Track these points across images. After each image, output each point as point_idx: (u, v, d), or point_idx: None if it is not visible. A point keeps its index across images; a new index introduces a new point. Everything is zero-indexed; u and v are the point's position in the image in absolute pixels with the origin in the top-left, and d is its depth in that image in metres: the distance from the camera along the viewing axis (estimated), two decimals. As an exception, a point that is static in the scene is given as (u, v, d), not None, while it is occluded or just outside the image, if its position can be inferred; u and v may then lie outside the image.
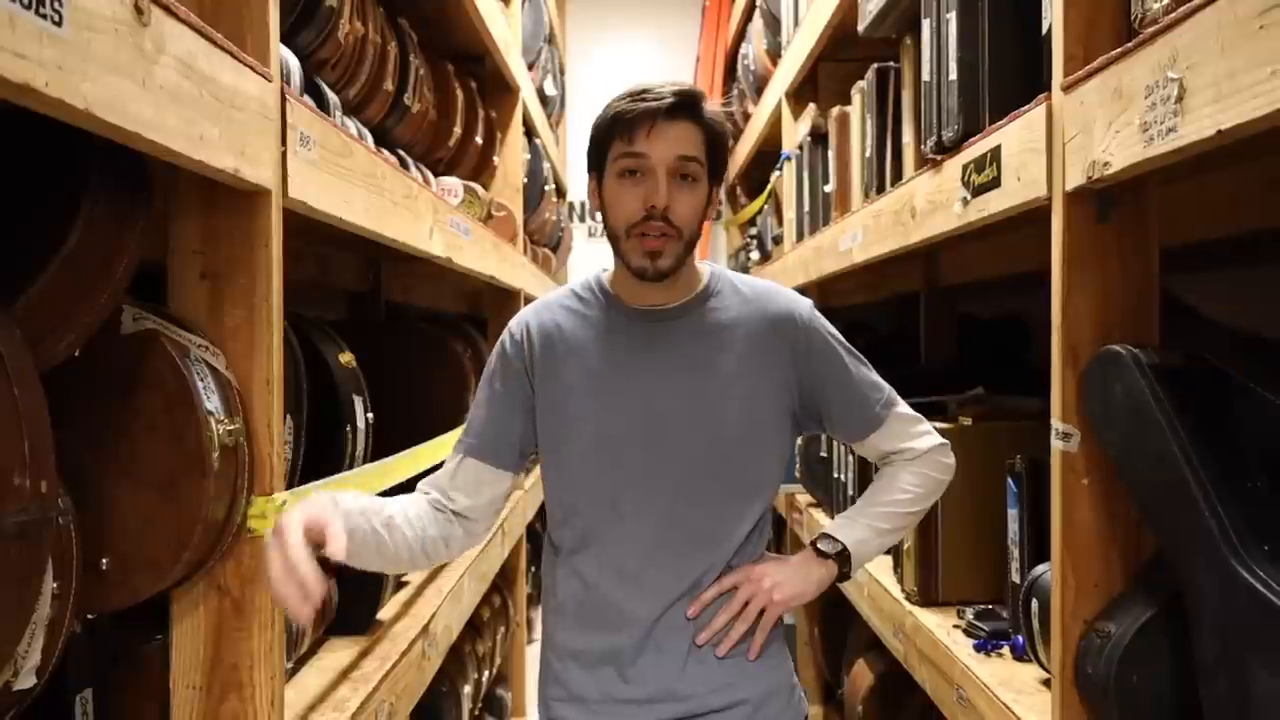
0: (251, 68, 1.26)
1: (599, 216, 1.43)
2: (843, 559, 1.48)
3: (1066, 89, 1.30)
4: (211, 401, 1.25)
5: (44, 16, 0.82)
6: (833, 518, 1.61)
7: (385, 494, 1.97)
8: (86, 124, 0.91)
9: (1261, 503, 1.11)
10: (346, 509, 1.32)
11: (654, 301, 1.44)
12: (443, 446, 2.20)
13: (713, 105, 1.40)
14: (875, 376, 1.50)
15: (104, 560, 1.22)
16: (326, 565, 1.23)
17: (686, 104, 1.36)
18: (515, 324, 1.50)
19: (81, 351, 1.16)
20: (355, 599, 1.95)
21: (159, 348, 1.24)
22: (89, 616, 1.23)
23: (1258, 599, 1.03)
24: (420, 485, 1.51)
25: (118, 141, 0.99)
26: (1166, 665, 1.22)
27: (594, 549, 1.42)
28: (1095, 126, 1.22)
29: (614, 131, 1.37)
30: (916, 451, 1.50)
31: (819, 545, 1.49)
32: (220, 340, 1.33)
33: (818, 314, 1.50)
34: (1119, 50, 1.16)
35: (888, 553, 2.30)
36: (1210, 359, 1.22)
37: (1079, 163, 1.26)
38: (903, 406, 1.52)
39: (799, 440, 3.06)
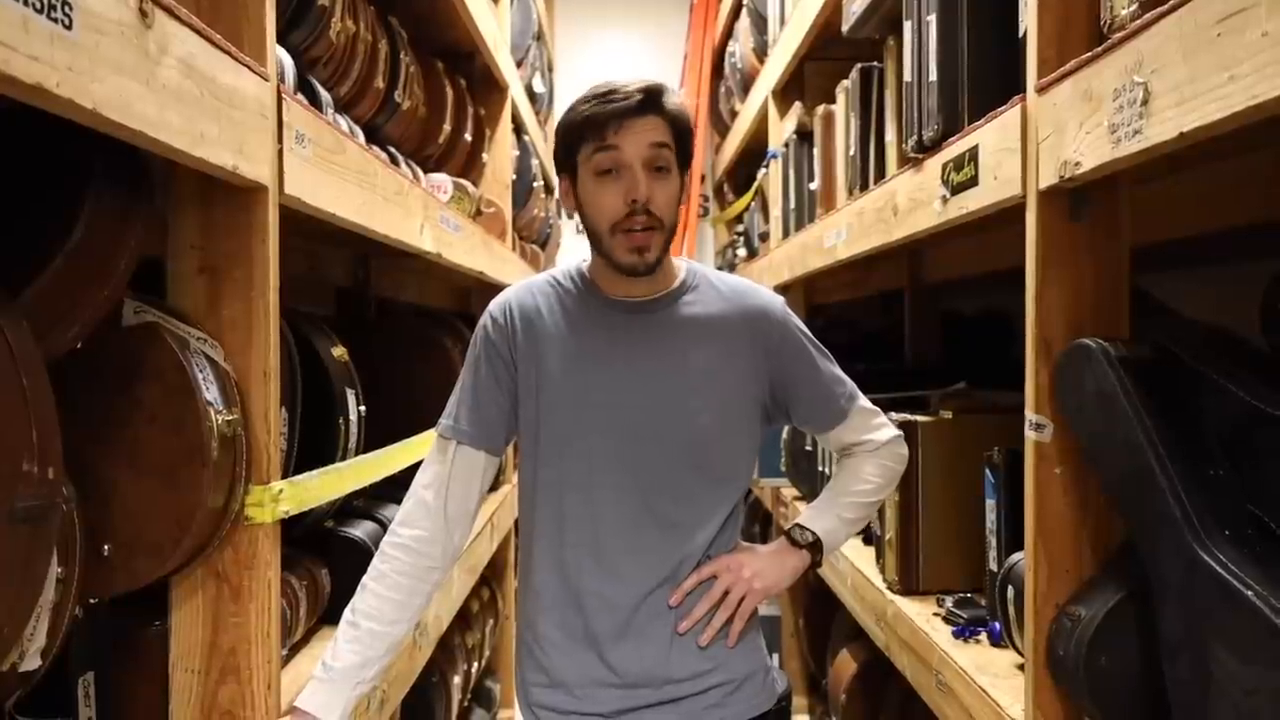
0: (249, 68, 1.29)
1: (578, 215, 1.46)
2: (815, 548, 1.54)
3: (1040, 91, 1.34)
4: (210, 392, 1.28)
5: (55, 20, 0.85)
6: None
7: (379, 486, 2.02)
8: (93, 123, 0.94)
9: (1223, 489, 1.15)
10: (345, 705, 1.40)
11: (632, 294, 1.48)
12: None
13: (673, 96, 1.43)
14: (840, 372, 1.57)
15: (106, 546, 1.25)
16: None
17: (653, 99, 1.40)
18: (497, 307, 1.51)
19: (84, 343, 1.19)
20: (347, 589, 1.97)
21: (160, 340, 1.27)
22: (91, 601, 1.26)
23: (1218, 581, 1.07)
24: (392, 532, 1.49)
25: (122, 140, 1.02)
26: (1134, 647, 1.26)
27: (570, 536, 1.45)
28: (1067, 127, 1.25)
29: (585, 133, 1.40)
30: (876, 443, 1.58)
31: (792, 535, 1.55)
32: (218, 333, 1.36)
33: (790, 312, 1.55)
34: (1089, 54, 1.20)
35: (869, 544, 2.36)
36: (1177, 352, 1.26)
37: (1052, 162, 1.30)
38: (864, 400, 1.58)
39: (785, 434, 3.11)
